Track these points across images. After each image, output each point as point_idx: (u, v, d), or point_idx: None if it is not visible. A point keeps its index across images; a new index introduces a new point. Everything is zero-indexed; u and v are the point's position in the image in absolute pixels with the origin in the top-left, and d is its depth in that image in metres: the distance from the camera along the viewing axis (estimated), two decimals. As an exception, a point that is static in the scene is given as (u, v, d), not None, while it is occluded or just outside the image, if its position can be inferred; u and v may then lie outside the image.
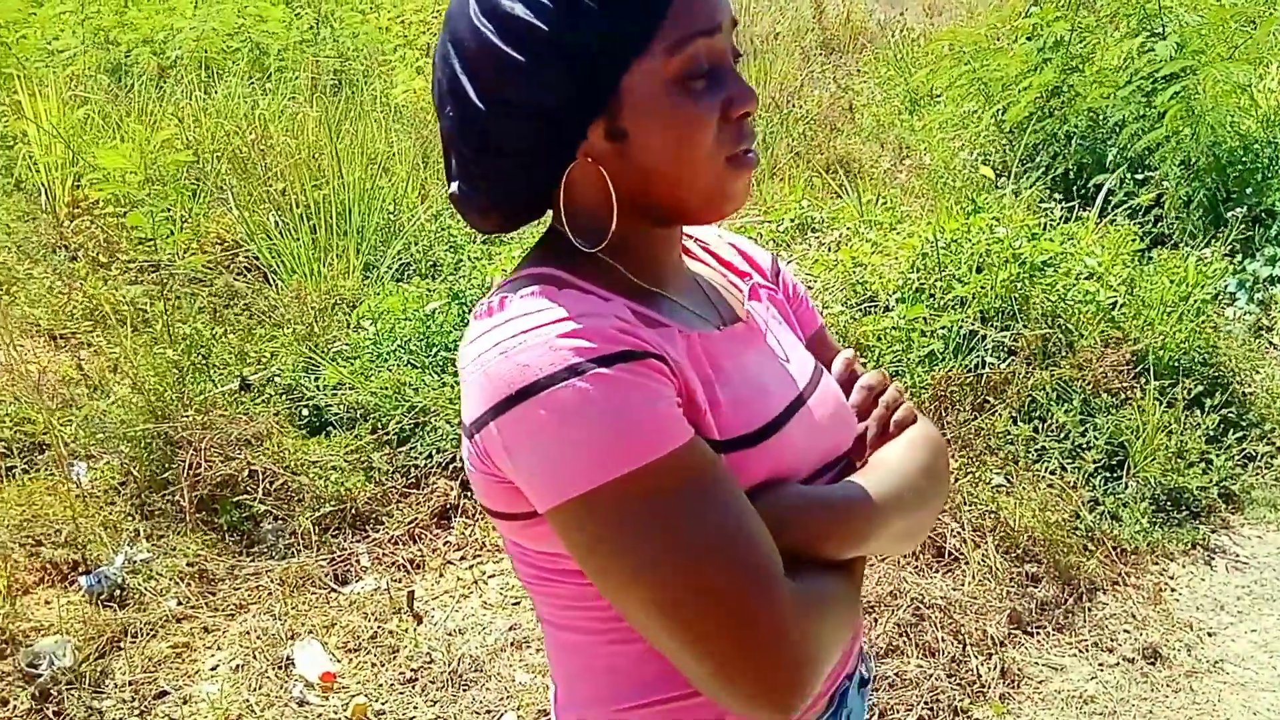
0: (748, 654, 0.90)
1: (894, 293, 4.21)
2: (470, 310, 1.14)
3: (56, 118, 4.99)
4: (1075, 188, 6.13)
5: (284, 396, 3.88)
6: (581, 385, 0.88)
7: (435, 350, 4.02)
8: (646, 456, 0.89)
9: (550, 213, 1.06)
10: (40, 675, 2.88)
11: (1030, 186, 5.74)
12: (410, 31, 7.33)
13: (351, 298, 4.42)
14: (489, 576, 3.42)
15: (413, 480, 3.70)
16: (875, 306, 4.22)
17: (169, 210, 4.56)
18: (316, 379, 3.90)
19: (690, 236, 1.23)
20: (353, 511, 3.57)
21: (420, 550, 3.50)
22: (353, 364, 3.97)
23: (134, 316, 4.01)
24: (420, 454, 3.71)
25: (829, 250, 4.72)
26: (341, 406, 3.81)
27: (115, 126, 5.23)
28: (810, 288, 4.24)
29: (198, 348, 3.80)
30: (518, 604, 3.29)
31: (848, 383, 1.20)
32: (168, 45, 6.35)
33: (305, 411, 3.87)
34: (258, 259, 4.62)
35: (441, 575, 3.43)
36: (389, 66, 7.01)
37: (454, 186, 1.05)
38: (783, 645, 0.90)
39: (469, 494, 3.65)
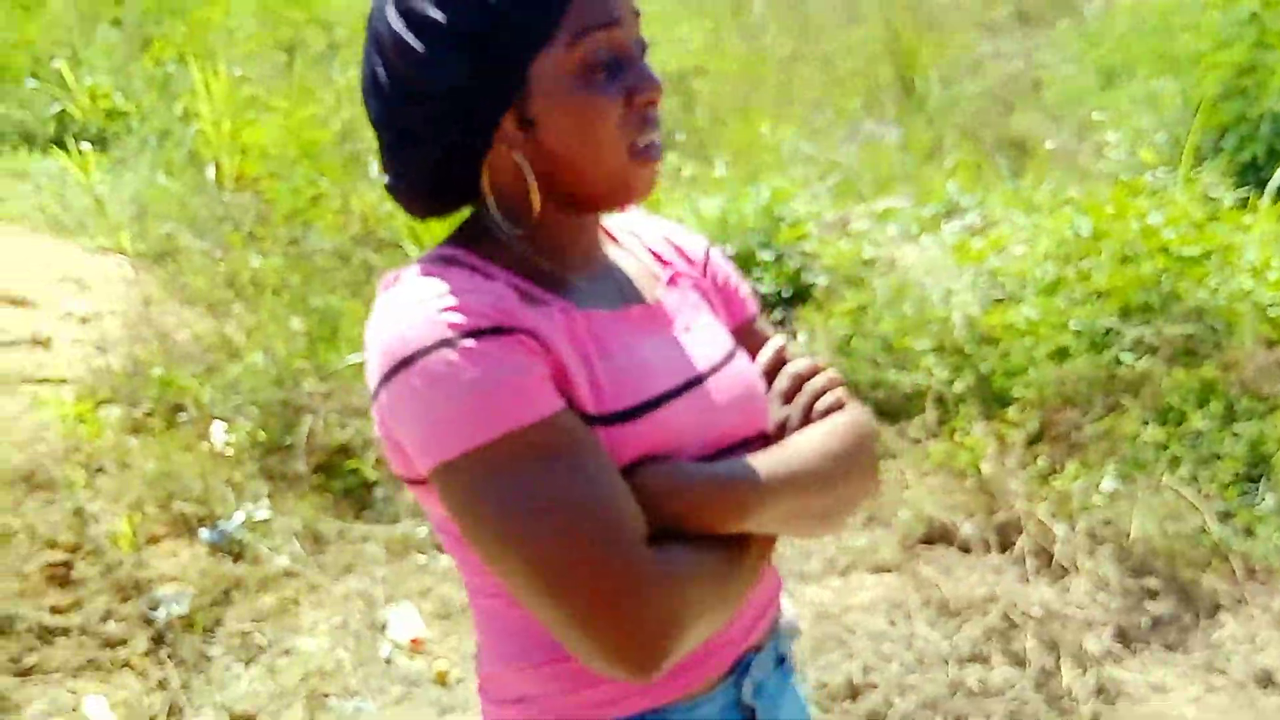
0: (602, 615, 0.94)
1: (1028, 283, 4.03)
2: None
3: (226, 95, 5.30)
4: (1261, 175, 5.70)
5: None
6: (451, 356, 0.94)
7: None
8: (508, 425, 0.94)
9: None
10: (157, 619, 3.11)
11: (1208, 172, 5.36)
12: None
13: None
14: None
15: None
16: (1007, 297, 4.05)
17: (318, 186, 4.78)
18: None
19: (624, 228, 1.27)
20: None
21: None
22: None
23: (276, 287, 4.23)
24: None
25: (969, 235, 4.55)
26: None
27: (276, 104, 5.52)
28: (933, 272, 4.10)
29: (328, 319, 3.99)
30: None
31: (775, 369, 1.22)
32: (337, 23, 6.63)
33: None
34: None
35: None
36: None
37: (386, 178, 1.11)
38: (637, 608, 0.94)
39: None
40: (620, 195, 1.08)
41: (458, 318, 0.96)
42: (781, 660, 1.25)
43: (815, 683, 2.82)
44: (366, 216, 4.79)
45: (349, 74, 5.90)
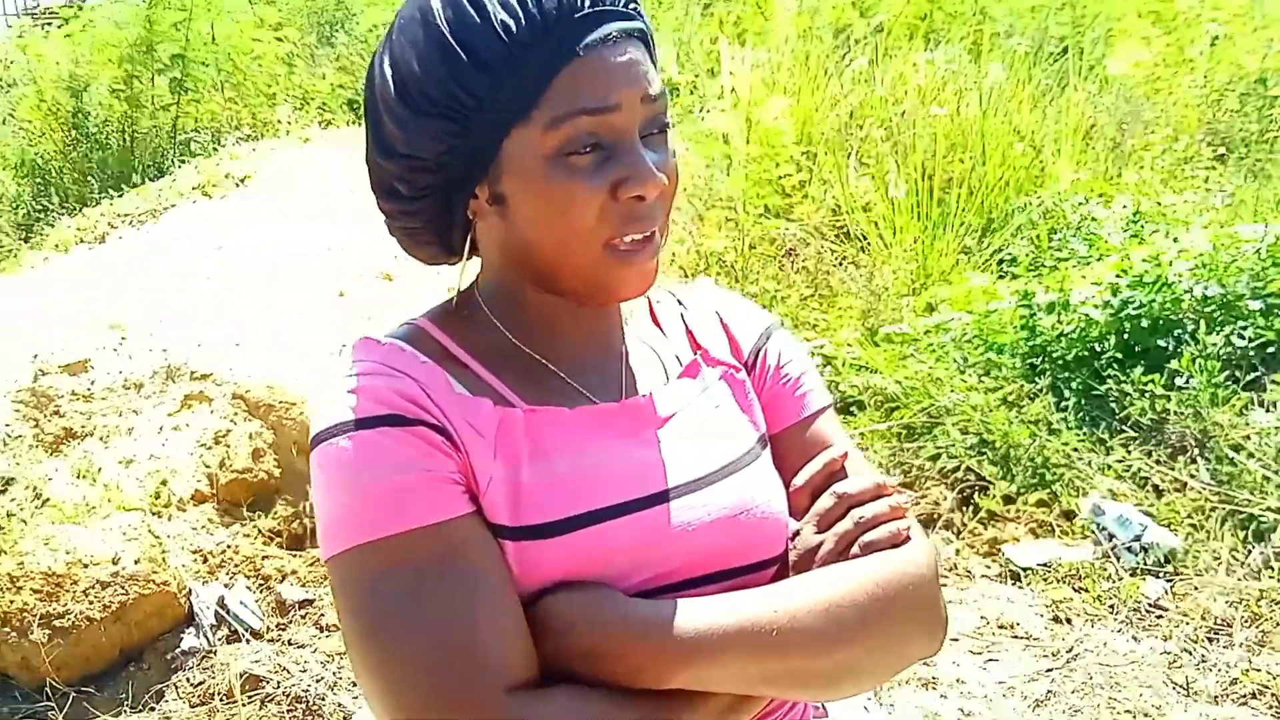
0: None
1: None
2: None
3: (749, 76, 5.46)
4: None
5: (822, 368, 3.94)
6: (343, 444, 0.90)
7: (982, 349, 3.78)
8: (384, 530, 0.88)
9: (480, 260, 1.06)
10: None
11: None
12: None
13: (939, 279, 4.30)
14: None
15: (907, 481, 3.55)
16: None
17: (807, 168, 4.80)
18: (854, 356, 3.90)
19: (672, 298, 1.15)
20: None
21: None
22: (900, 348, 3.90)
23: (717, 266, 4.35)
24: (923, 454, 3.54)
25: None
26: (861, 388, 3.77)
27: (794, 87, 5.58)
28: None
29: (759, 301, 4.03)
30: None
31: (823, 486, 1.04)
32: (875, 8, 6.54)
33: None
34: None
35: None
36: (1115, 35, 6.47)
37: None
38: None
39: (965, 508, 3.44)
40: (597, 293, 0.98)
41: (360, 401, 0.91)
42: None
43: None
44: (839, 207, 4.71)
45: (881, 61, 5.83)
